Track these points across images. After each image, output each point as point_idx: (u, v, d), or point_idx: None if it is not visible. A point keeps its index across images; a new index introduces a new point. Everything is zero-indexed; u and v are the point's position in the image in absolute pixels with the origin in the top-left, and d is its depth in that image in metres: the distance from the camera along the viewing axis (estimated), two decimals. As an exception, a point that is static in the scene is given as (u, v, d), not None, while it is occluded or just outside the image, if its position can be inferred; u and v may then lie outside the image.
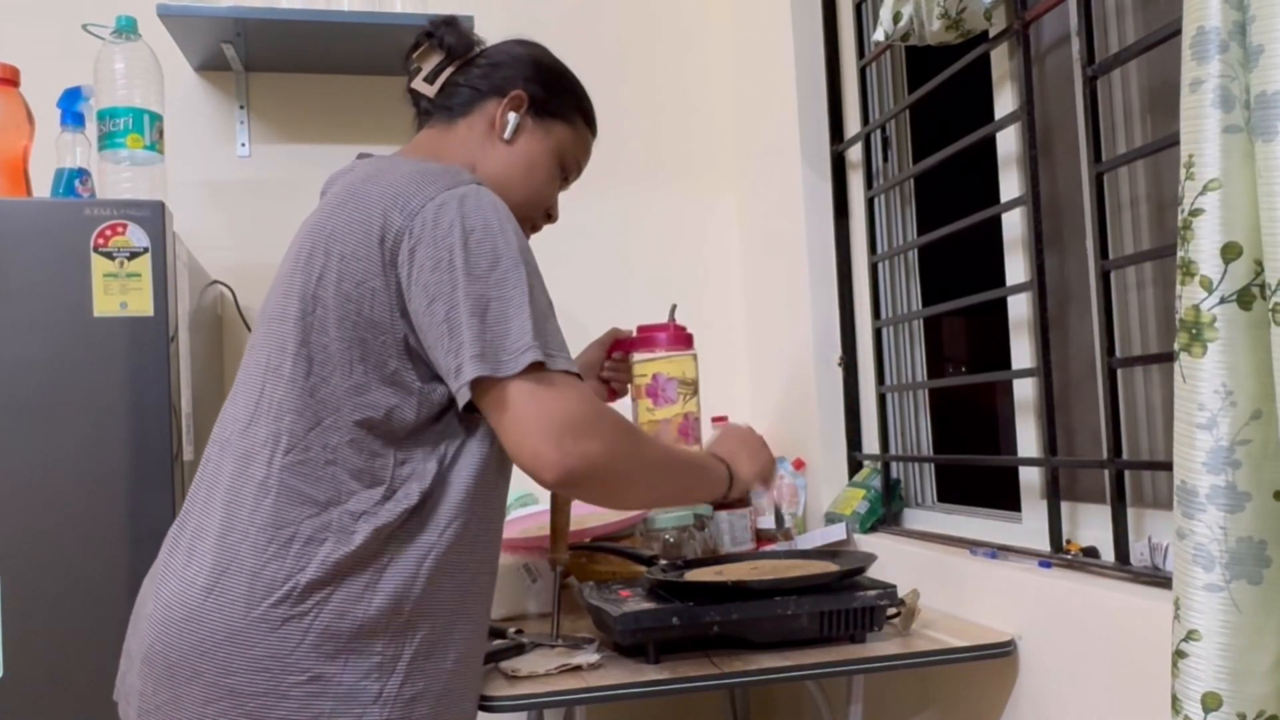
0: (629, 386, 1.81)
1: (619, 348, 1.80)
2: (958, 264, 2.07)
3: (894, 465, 2.04)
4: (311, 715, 1.04)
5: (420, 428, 1.12)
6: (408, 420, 1.11)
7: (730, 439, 1.41)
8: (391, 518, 1.09)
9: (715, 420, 2.22)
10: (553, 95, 1.35)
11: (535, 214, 1.38)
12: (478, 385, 1.07)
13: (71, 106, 1.85)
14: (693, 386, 1.81)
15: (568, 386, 1.08)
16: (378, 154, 1.30)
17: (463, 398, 1.08)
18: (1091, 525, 1.53)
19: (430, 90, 1.34)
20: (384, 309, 1.10)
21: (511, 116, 1.32)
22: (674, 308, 1.88)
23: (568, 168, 1.39)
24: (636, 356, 1.79)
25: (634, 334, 1.83)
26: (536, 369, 1.07)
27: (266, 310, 1.19)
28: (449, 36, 1.35)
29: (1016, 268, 1.71)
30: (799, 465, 2.18)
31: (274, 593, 1.06)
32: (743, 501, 1.57)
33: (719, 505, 1.92)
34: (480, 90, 1.33)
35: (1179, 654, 0.95)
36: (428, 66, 1.35)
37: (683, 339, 1.82)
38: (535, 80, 1.34)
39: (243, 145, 2.41)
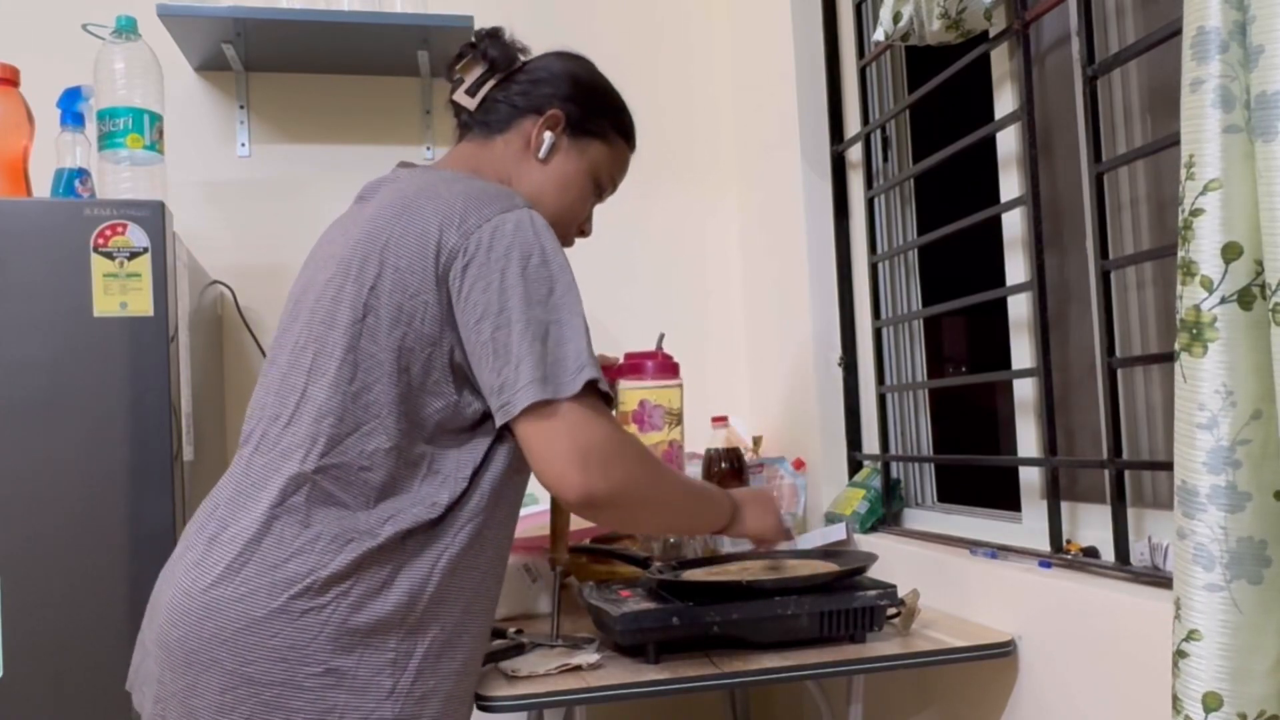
0: (614, 412, 1.82)
1: (606, 373, 1.81)
2: (958, 264, 2.07)
3: (894, 465, 2.04)
4: (327, 707, 1.07)
5: (453, 437, 1.16)
6: (445, 430, 1.15)
7: (748, 492, 1.44)
8: (416, 522, 1.12)
9: (715, 421, 2.22)
10: (589, 114, 1.36)
11: (567, 230, 1.39)
12: (531, 406, 1.10)
13: (71, 106, 1.85)
14: (677, 416, 1.84)
15: (600, 414, 1.12)
16: (406, 159, 1.32)
17: (504, 415, 1.11)
18: (1091, 525, 1.53)
19: (471, 104, 1.35)
20: (434, 322, 1.13)
21: (547, 136, 1.33)
22: (661, 336, 1.90)
23: (602, 184, 1.40)
24: (624, 384, 1.82)
25: (621, 361, 1.86)
26: (592, 392, 1.11)
27: (303, 312, 1.21)
28: (492, 49, 1.35)
29: (1016, 268, 1.71)
30: (799, 465, 2.18)
31: (295, 585, 1.08)
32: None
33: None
34: (518, 107, 1.34)
35: (1180, 654, 0.95)
36: (470, 78, 1.36)
37: (670, 368, 1.85)
38: (573, 99, 1.35)
39: (243, 145, 2.40)
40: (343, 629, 1.08)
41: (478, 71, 1.35)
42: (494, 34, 1.37)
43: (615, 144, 1.39)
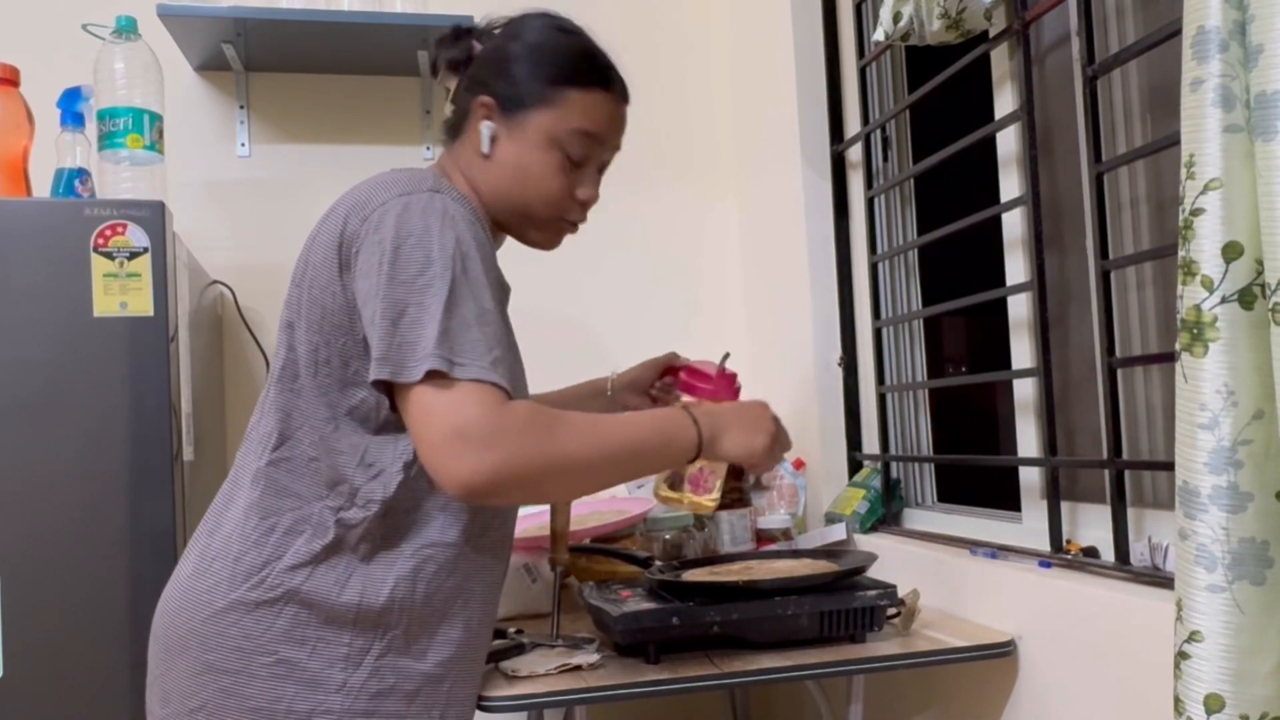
0: None
1: (671, 373, 1.70)
2: (958, 264, 2.06)
3: (894, 465, 2.04)
4: (276, 696, 1.11)
5: (387, 430, 1.14)
6: (371, 421, 1.14)
7: (726, 410, 1.26)
8: (359, 517, 1.13)
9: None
10: (522, 83, 1.22)
11: (555, 212, 1.26)
12: (388, 389, 1.10)
13: (71, 106, 1.84)
14: None
15: (468, 395, 1.03)
16: (405, 159, 1.31)
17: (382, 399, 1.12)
18: (1091, 525, 1.53)
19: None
20: (343, 312, 1.13)
21: (484, 128, 1.23)
22: (726, 356, 1.74)
23: (567, 147, 1.23)
24: (685, 398, 1.70)
25: (689, 364, 1.71)
26: (438, 377, 1.03)
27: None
28: (448, 52, 1.29)
29: (1016, 268, 1.71)
30: (799, 465, 2.18)
31: (250, 578, 1.12)
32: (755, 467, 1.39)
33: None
34: (465, 107, 1.27)
35: (1181, 655, 0.95)
36: (452, 87, 1.31)
37: (731, 390, 1.69)
38: (502, 75, 1.23)
39: (243, 145, 2.40)
40: (295, 622, 1.12)
41: (453, 79, 1.30)
42: (449, 36, 1.29)
43: (567, 100, 1.22)
